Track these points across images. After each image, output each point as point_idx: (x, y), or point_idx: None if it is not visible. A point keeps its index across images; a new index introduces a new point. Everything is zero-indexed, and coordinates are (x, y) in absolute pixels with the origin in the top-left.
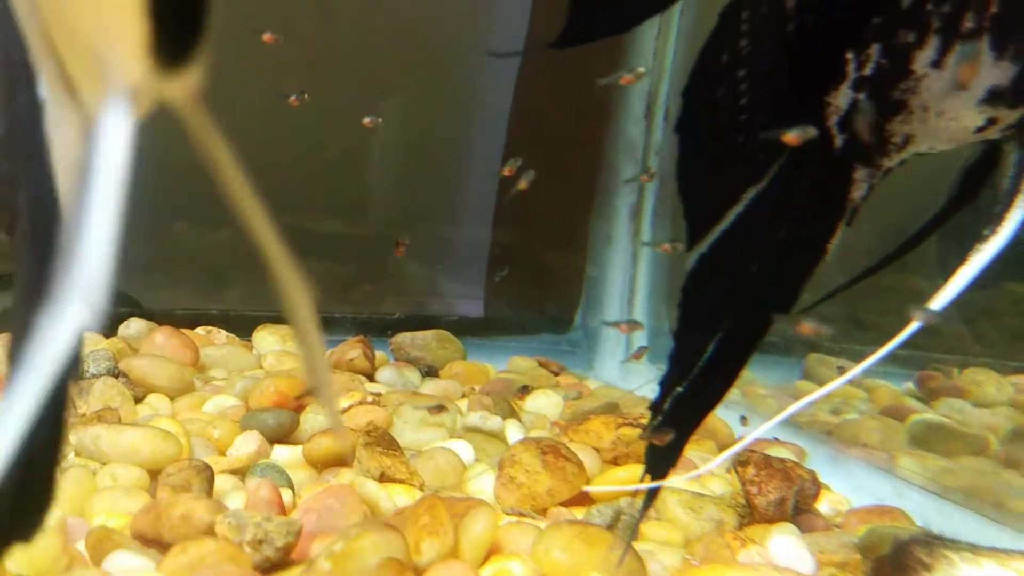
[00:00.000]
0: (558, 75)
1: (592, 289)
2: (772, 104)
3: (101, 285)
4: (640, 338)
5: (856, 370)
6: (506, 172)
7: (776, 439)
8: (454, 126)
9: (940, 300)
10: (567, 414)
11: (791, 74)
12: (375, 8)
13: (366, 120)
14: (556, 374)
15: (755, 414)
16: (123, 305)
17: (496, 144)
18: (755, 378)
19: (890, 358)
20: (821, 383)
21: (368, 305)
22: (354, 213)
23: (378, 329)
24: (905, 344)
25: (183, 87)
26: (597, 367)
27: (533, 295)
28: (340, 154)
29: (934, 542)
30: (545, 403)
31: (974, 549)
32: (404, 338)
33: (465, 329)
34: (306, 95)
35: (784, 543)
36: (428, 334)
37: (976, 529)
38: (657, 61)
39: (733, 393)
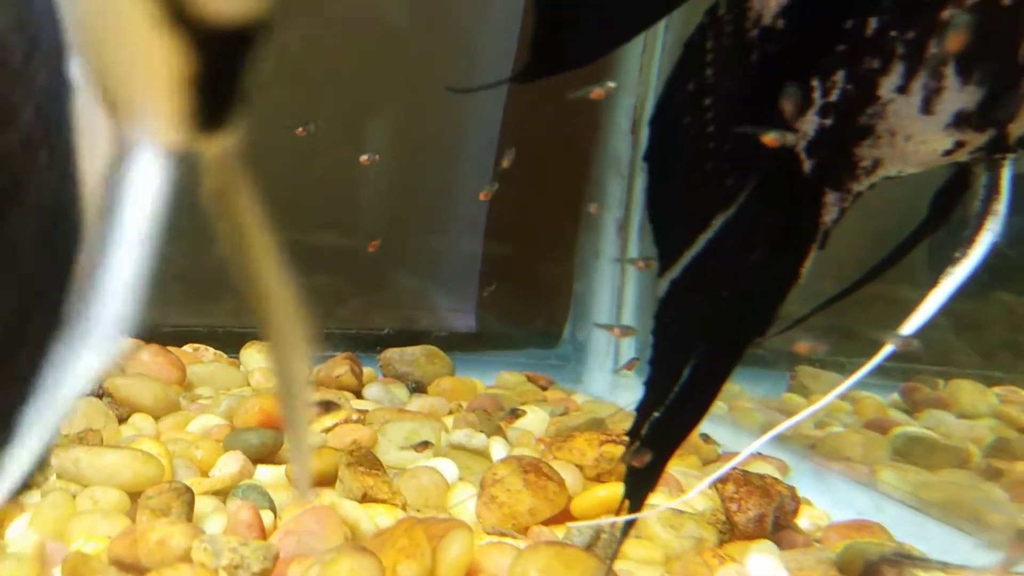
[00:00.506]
0: (547, 89)
1: (580, 303)
2: (738, 130)
3: (125, 321)
4: (629, 349)
5: (827, 399)
6: (482, 196)
7: (759, 454)
8: (445, 139)
9: (912, 324)
10: (552, 431)
11: (757, 102)
12: (366, 20)
13: (363, 158)
14: (544, 389)
15: (740, 428)
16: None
17: (487, 158)
18: (742, 391)
19: (876, 370)
20: (808, 396)
21: (357, 320)
22: (344, 226)
23: (367, 344)
24: (892, 356)
25: (217, 147)
26: (586, 381)
27: (522, 309)
28: (330, 166)
29: (904, 560)
30: (531, 420)
31: (945, 567)
32: (393, 354)
33: (454, 344)
34: (312, 126)
35: (762, 561)
36: (416, 349)
37: (953, 543)
38: (643, 76)
39: (719, 407)
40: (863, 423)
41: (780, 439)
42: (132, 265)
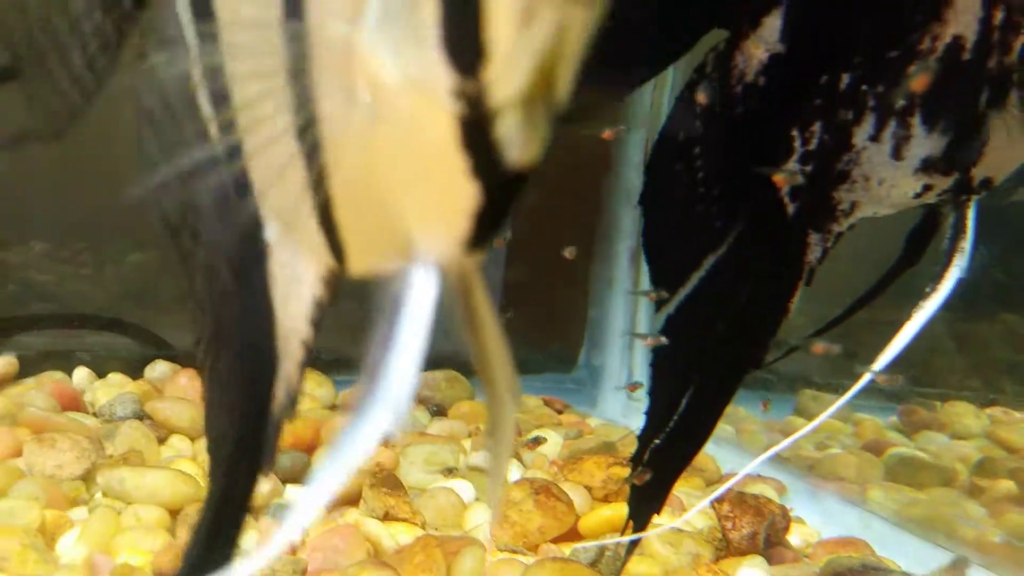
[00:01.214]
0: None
1: (594, 330)
2: (727, 177)
3: (404, 402)
4: (641, 374)
5: (803, 431)
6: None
7: (759, 475)
8: None
9: (884, 358)
10: (565, 453)
11: (743, 149)
12: None
13: None
14: (560, 412)
15: (745, 450)
16: (151, 345)
17: None
18: (748, 415)
19: (878, 393)
20: (810, 418)
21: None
22: None
23: None
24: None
25: (475, 260)
26: (600, 404)
27: (540, 335)
28: None
29: (869, 571)
30: (549, 443)
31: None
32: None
33: (470, 369)
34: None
35: (751, 575)
36: (438, 374)
37: (931, 557)
38: (653, 112)
39: (727, 430)
40: (861, 444)
41: (780, 460)
42: (412, 363)
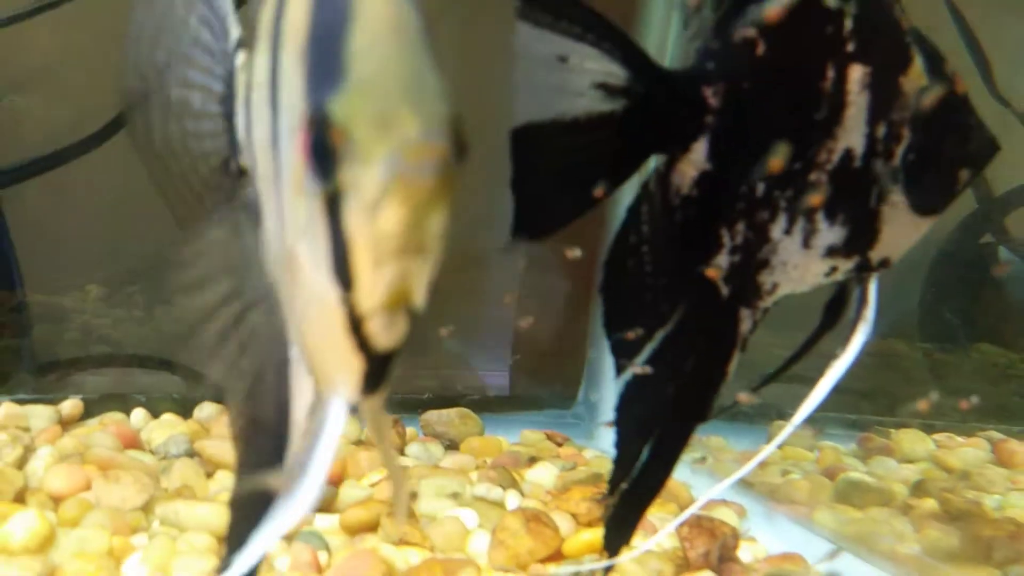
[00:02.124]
0: None
1: (592, 369)
2: (669, 270)
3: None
4: None
5: (750, 465)
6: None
7: (723, 500)
8: (480, 225)
9: (801, 414)
10: (559, 484)
11: (682, 248)
12: None
13: None
14: (559, 445)
15: (718, 478)
16: (198, 384)
17: None
18: (725, 445)
19: (842, 422)
20: (782, 449)
21: (403, 386)
22: None
23: (411, 407)
24: (854, 409)
25: (374, 400)
26: (596, 437)
27: (544, 375)
28: None
29: None
30: (544, 474)
31: None
32: (432, 415)
33: (486, 405)
34: None
35: None
36: (452, 412)
37: (860, 569)
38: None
39: (706, 458)
40: (821, 470)
41: (746, 486)
42: (321, 474)
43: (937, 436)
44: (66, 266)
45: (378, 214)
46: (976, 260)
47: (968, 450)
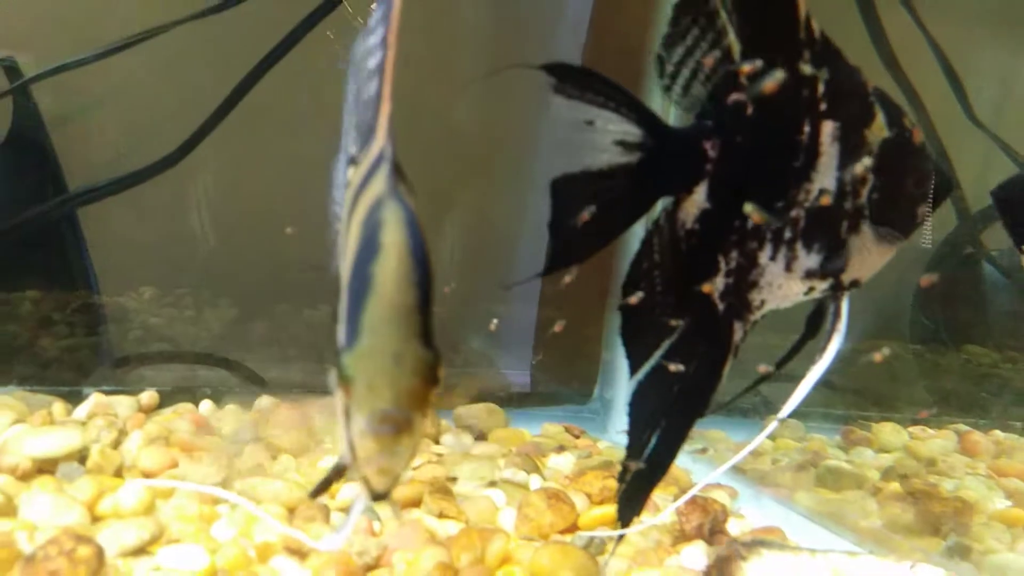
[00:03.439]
0: None
1: (607, 369)
2: (676, 290)
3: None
4: None
5: (737, 457)
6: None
7: (719, 483)
8: (510, 229)
9: (786, 409)
10: (576, 469)
11: (686, 271)
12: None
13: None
14: (577, 437)
15: (715, 465)
16: (249, 380)
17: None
18: (724, 437)
19: (831, 417)
20: (775, 440)
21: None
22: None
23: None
24: (840, 404)
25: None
26: (610, 430)
27: (564, 374)
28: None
29: (755, 543)
30: (562, 461)
31: (781, 546)
32: (462, 410)
33: (508, 401)
34: None
35: (691, 552)
36: (480, 407)
37: (829, 541)
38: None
39: (706, 448)
40: (807, 459)
41: (739, 472)
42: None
43: (912, 429)
44: (120, 269)
45: (362, 441)
46: (961, 270)
47: (938, 441)
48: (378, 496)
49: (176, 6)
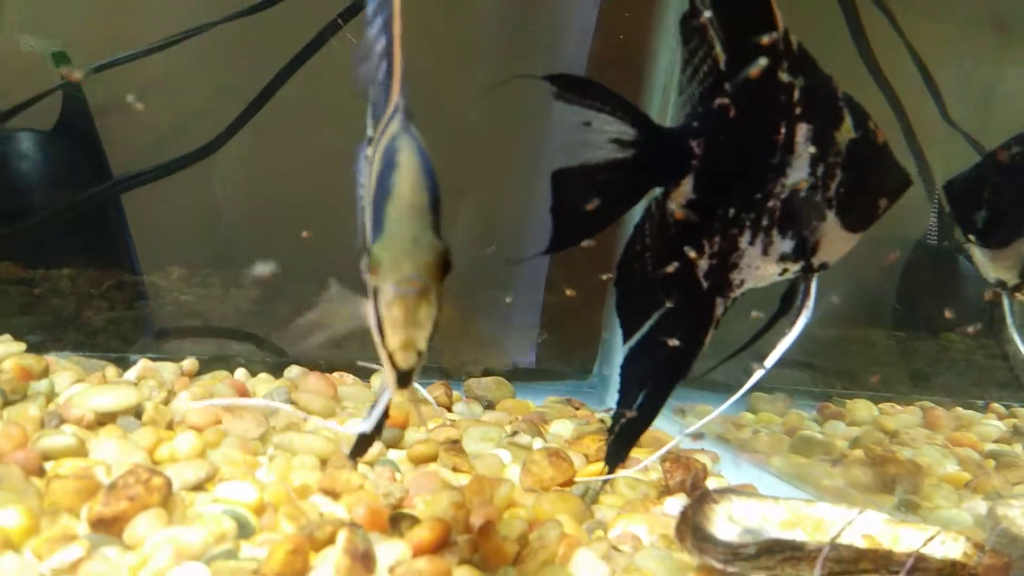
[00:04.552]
0: None
1: (605, 347)
2: (667, 270)
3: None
4: None
5: (712, 414)
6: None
7: (703, 449)
8: (517, 219)
9: (754, 378)
10: (574, 434)
11: (674, 253)
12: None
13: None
14: (577, 409)
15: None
16: (274, 353)
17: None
18: (711, 409)
19: (810, 394)
20: (756, 414)
21: (450, 357)
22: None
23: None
24: (821, 384)
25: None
26: (607, 403)
27: (566, 351)
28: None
29: (726, 491)
30: (563, 428)
31: (748, 494)
32: (473, 382)
33: (517, 375)
34: None
35: (672, 502)
36: (490, 379)
37: (794, 494)
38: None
39: (694, 421)
40: (784, 430)
41: (722, 440)
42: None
43: (882, 405)
44: (151, 250)
45: (389, 309)
46: (939, 263)
47: (904, 416)
48: (403, 378)
49: (215, 4)
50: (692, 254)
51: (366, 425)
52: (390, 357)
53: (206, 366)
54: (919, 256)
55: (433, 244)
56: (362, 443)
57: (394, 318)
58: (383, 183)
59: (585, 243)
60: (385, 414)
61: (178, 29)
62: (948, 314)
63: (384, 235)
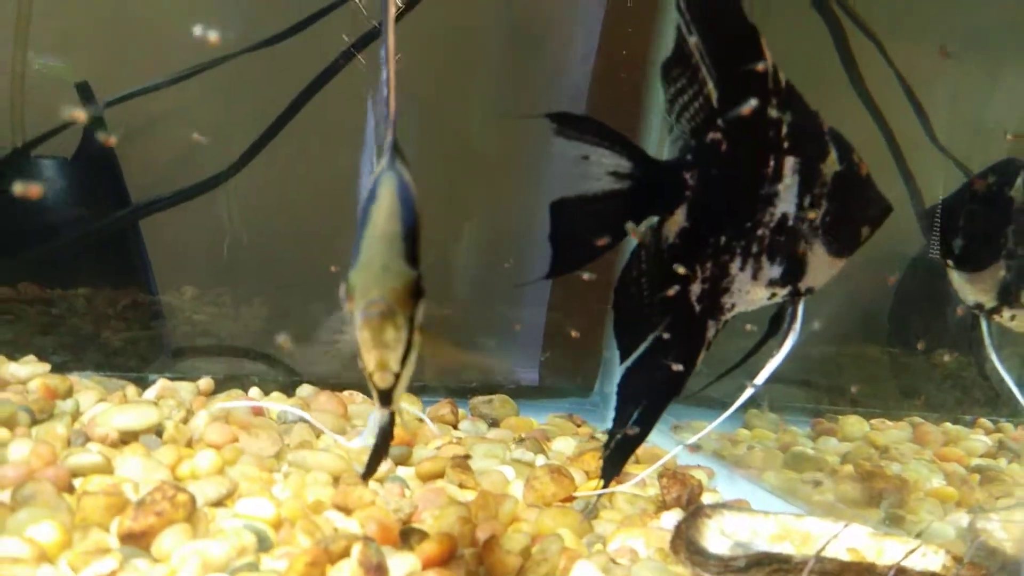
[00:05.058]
0: None
1: (606, 366)
2: (661, 294)
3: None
4: None
5: (706, 430)
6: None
7: (699, 465)
8: (520, 240)
9: (744, 395)
10: (575, 452)
11: (669, 278)
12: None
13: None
14: (579, 426)
15: (700, 451)
16: (286, 373)
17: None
18: (706, 425)
19: (803, 410)
20: (752, 430)
21: (454, 376)
22: (440, 298)
23: (461, 393)
24: (814, 400)
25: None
26: (608, 421)
27: (568, 370)
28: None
29: (719, 506)
30: (565, 445)
31: (740, 509)
32: (478, 400)
33: (520, 393)
34: None
35: (668, 517)
36: (494, 397)
37: (787, 509)
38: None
39: (689, 437)
40: (779, 446)
41: (717, 456)
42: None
43: (873, 421)
44: (163, 270)
45: (360, 332)
46: (928, 282)
47: (893, 431)
48: (384, 398)
49: (229, 31)
50: (681, 269)
51: (359, 442)
52: (369, 378)
53: (220, 385)
54: (909, 276)
55: (402, 271)
56: (373, 463)
57: (364, 340)
58: (364, 214)
59: (586, 276)
60: (390, 433)
61: (194, 57)
62: (920, 345)
63: (358, 263)
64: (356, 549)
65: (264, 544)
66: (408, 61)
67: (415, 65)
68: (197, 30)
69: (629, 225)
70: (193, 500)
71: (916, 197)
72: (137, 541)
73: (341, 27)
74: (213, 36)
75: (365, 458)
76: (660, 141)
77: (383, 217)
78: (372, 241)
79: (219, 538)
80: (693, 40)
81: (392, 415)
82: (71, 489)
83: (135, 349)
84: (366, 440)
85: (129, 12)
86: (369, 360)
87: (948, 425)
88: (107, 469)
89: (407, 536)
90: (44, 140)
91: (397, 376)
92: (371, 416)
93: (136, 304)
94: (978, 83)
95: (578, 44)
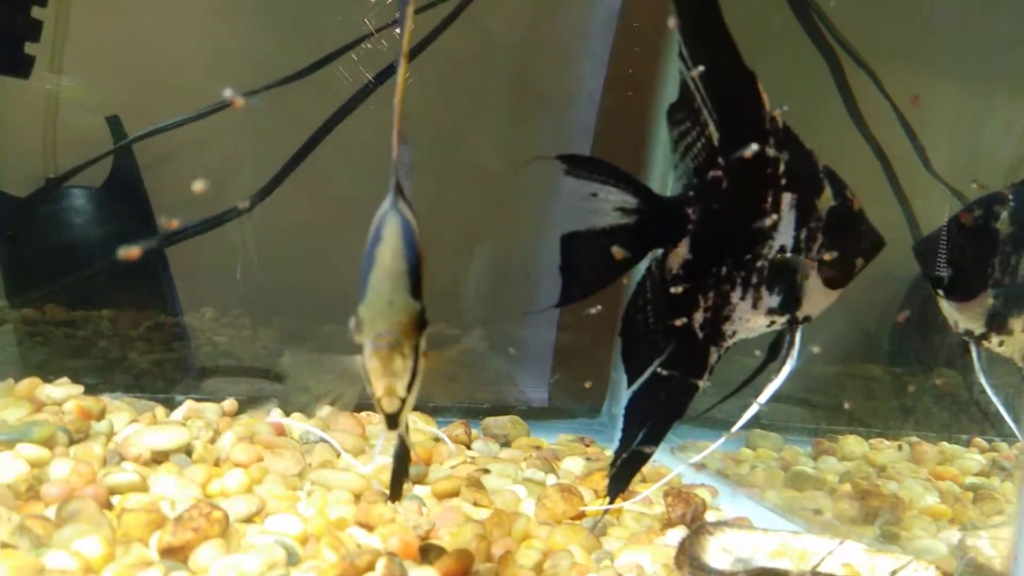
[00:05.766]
0: None
1: (614, 386)
2: (666, 321)
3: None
4: None
5: (708, 449)
6: None
7: (703, 484)
8: (530, 267)
9: (743, 419)
10: (585, 471)
11: (673, 306)
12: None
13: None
14: (587, 446)
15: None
16: (304, 393)
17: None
18: (710, 444)
19: (804, 430)
20: (755, 450)
21: (467, 397)
22: (451, 319)
23: (475, 414)
24: (815, 420)
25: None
26: (616, 441)
27: (577, 391)
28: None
29: (721, 523)
30: (574, 464)
31: (741, 526)
32: (490, 421)
33: (529, 414)
34: None
35: (673, 534)
36: (505, 418)
37: (783, 527)
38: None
39: (694, 456)
40: (780, 465)
41: (721, 475)
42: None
43: (872, 440)
44: (184, 292)
45: (369, 361)
46: (927, 306)
47: (891, 451)
48: (391, 421)
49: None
50: (679, 289)
51: (372, 466)
52: (377, 403)
53: (243, 406)
54: (908, 299)
55: (407, 304)
56: (397, 486)
57: (373, 369)
58: (370, 252)
59: (592, 310)
60: (407, 456)
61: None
62: (918, 366)
63: (366, 299)
64: (381, 563)
65: (293, 559)
66: (422, 99)
67: (431, 102)
68: (227, 92)
69: (615, 249)
70: (227, 517)
71: (913, 223)
72: (176, 555)
73: (362, 61)
74: (239, 100)
75: (384, 476)
76: (664, 174)
77: (388, 256)
78: (378, 278)
79: (251, 553)
80: (694, 86)
81: (404, 441)
82: (110, 506)
83: (161, 371)
84: (377, 460)
85: (158, 50)
86: (378, 387)
87: (944, 444)
88: (143, 487)
89: (426, 552)
90: (77, 172)
91: (403, 401)
92: (379, 438)
93: (158, 325)
94: (976, 111)
95: (585, 81)
